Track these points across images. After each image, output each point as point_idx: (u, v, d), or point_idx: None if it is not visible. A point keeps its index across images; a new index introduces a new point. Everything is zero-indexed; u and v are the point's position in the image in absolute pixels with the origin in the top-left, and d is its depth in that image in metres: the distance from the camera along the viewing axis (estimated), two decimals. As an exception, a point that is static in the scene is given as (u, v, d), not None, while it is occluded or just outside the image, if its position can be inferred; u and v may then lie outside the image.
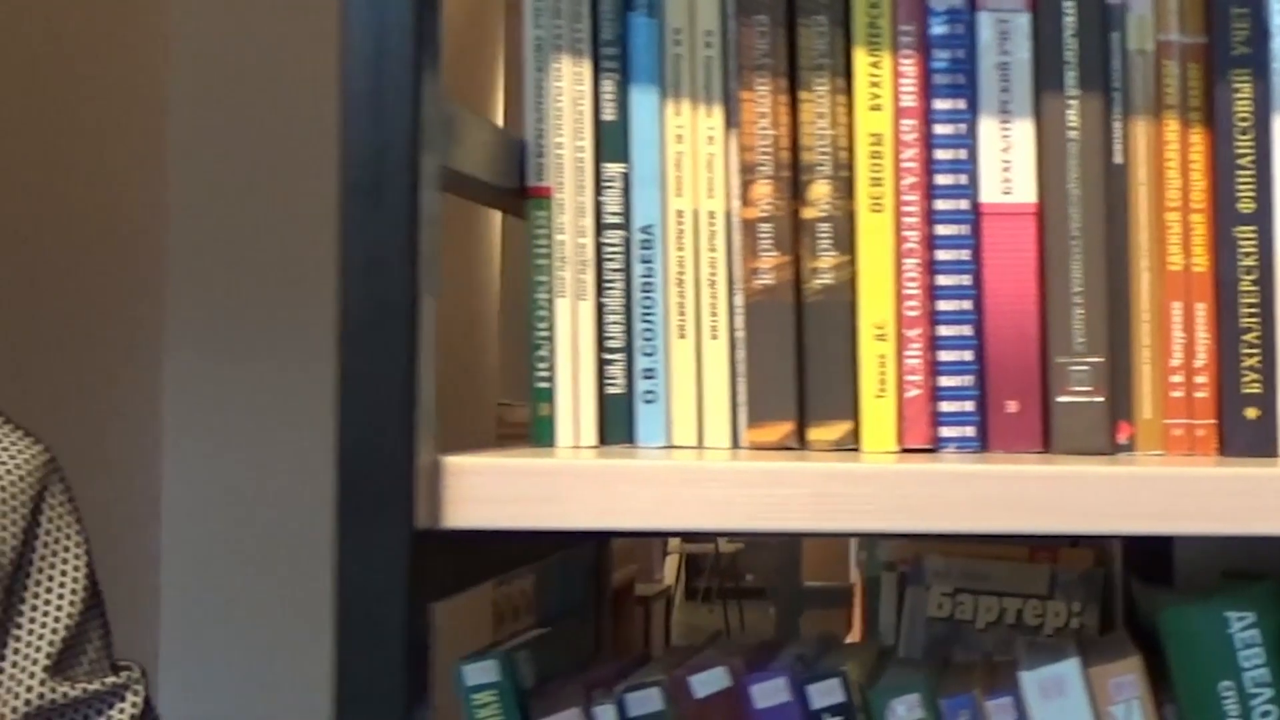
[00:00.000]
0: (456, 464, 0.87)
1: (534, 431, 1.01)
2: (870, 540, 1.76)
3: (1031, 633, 1.70)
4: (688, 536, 10.47)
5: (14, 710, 1.31)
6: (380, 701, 0.82)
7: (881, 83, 1.02)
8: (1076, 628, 1.70)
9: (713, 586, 10.58)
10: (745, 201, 1.03)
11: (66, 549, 1.36)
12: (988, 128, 1.03)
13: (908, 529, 0.88)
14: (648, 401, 1.02)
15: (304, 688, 3.35)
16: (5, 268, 2.81)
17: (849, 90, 1.02)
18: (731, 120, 1.03)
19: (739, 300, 1.03)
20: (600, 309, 1.02)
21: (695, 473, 0.89)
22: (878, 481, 0.89)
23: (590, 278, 1.02)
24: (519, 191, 1.01)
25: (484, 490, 0.87)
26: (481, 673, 0.97)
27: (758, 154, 1.02)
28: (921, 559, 1.71)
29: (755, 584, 10.77)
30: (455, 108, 0.91)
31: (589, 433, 1.01)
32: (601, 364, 1.02)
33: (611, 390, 1.02)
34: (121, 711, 1.36)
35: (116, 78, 3.85)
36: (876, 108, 1.02)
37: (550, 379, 1.01)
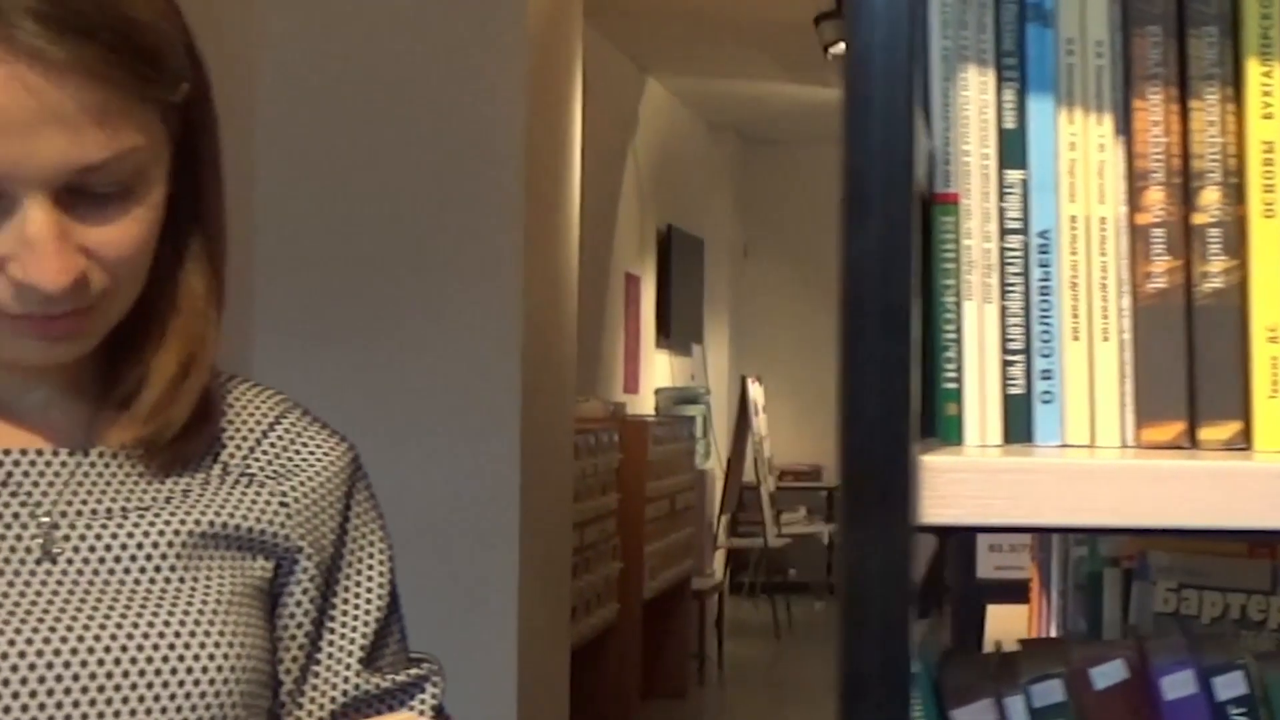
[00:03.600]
0: (933, 462, 0.90)
1: (941, 430, 1.04)
2: (1091, 536, 1.78)
3: (1256, 629, 1.72)
4: (740, 532, 10.50)
5: (332, 700, 1.34)
6: (887, 692, 0.84)
7: (1273, 92, 1.05)
8: (1303, 623, 1.72)
9: (757, 581, 10.60)
10: (1137, 207, 1.05)
11: (372, 543, 1.38)
12: (1360, 136, 1.06)
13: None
14: (1045, 402, 1.05)
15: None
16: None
17: (1238, 99, 1.05)
18: (1120, 128, 1.06)
19: (1125, 303, 1.06)
20: (1003, 311, 1.05)
21: (1158, 472, 0.91)
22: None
23: (995, 281, 1.05)
24: (927, 197, 1.04)
25: (954, 488, 0.90)
26: (903, 665, 1.00)
27: (1150, 161, 1.05)
28: (1145, 554, 1.74)
29: (799, 579, 10.80)
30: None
31: (994, 432, 1.04)
32: (1004, 365, 1.05)
33: (1013, 390, 1.05)
34: (423, 702, 1.38)
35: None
36: (1268, 116, 1.05)
37: (958, 379, 1.04)
